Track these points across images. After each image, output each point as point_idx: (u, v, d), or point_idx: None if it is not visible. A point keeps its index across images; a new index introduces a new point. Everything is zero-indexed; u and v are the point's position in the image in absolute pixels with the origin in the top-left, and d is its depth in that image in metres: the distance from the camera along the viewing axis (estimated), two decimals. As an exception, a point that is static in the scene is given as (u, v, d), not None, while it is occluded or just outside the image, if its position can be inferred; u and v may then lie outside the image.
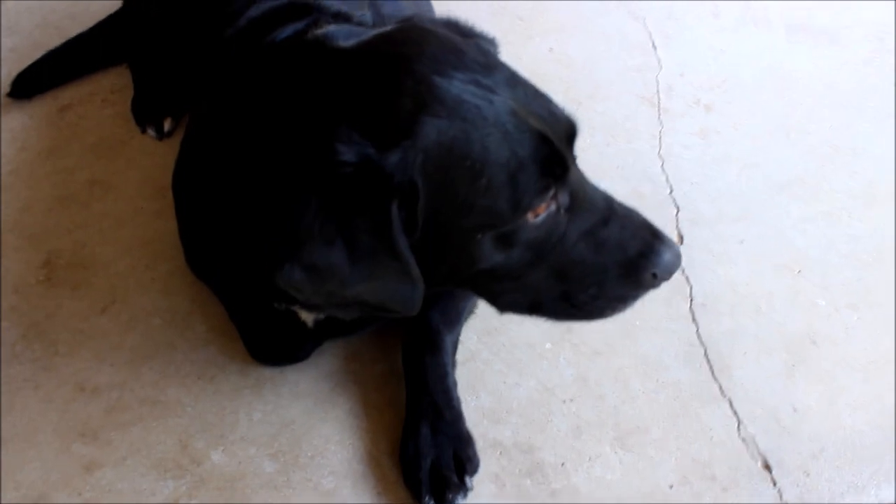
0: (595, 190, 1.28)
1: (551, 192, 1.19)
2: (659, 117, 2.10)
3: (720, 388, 1.60)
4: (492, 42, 1.36)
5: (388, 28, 1.29)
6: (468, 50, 1.23)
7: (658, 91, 2.16)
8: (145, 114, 2.03)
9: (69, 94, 2.12)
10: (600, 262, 1.26)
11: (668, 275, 1.29)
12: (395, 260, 1.15)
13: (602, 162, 1.96)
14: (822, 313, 1.72)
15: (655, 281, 1.28)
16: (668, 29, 2.34)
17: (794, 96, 2.16)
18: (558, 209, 1.22)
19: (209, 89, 1.51)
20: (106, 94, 2.12)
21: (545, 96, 1.26)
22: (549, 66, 2.21)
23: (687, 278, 1.74)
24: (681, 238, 1.82)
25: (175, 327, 1.67)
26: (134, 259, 1.78)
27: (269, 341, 1.59)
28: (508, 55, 1.35)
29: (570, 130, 1.26)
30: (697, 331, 1.68)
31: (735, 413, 1.56)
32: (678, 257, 1.29)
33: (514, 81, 1.23)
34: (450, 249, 1.20)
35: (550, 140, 1.18)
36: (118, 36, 2.14)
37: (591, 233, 1.25)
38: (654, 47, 2.28)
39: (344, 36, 1.30)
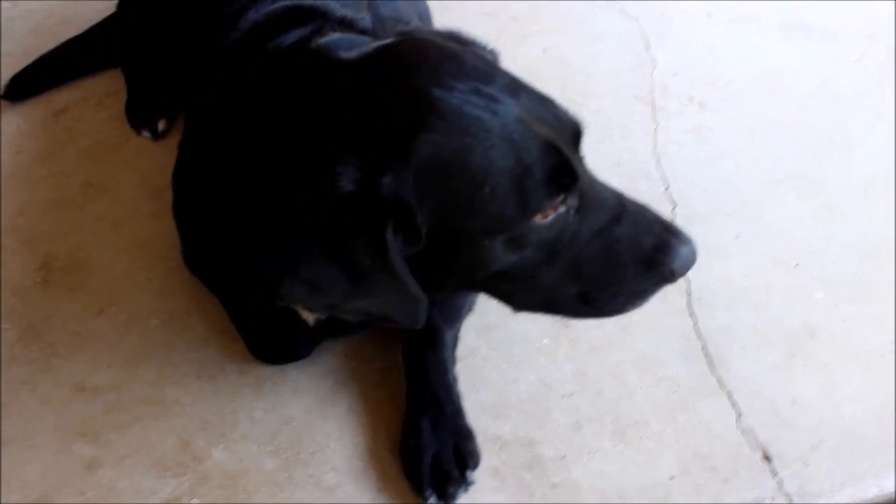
0: (605, 188, 1.28)
1: (560, 198, 1.19)
2: (653, 115, 2.10)
3: (718, 381, 1.60)
4: (492, 52, 1.34)
5: (389, 40, 1.28)
6: (467, 58, 1.22)
7: (652, 89, 2.16)
8: (139, 116, 2.02)
9: (63, 97, 2.12)
10: (615, 259, 1.25)
11: (685, 269, 1.28)
12: (393, 279, 1.15)
13: (597, 160, 1.91)
14: (821, 306, 1.72)
15: (673, 276, 1.28)
16: (662, 28, 2.34)
17: (788, 92, 2.17)
18: (568, 210, 1.21)
19: (210, 93, 1.50)
20: (100, 98, 2.12)
21: (548, 99, 1.24)
22: (544, 66, 2.21)
23: (684, 273, 1.74)
24: (678, 234, 1.83)
25: (173, 327, 1.67)
26: (131, 260, 1.78)
27: (270, 339, 1.59)
28: (503, 56, 1.35)
29: (575, 132, 1.25)
30: (695, 325, 1.68)
31: (734, 405, 1.57)
32: (694, 252, 1.28)
33: (516, 87, 1.21)
34: (460, 254, 1.20)
35: (558, 148, 1.17)
36: (111, 39, 2.14)
37: (603, 231, 1.24)
38: (648, 46, 2.29)
39: (346, 46, 1.29)
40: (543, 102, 1.23)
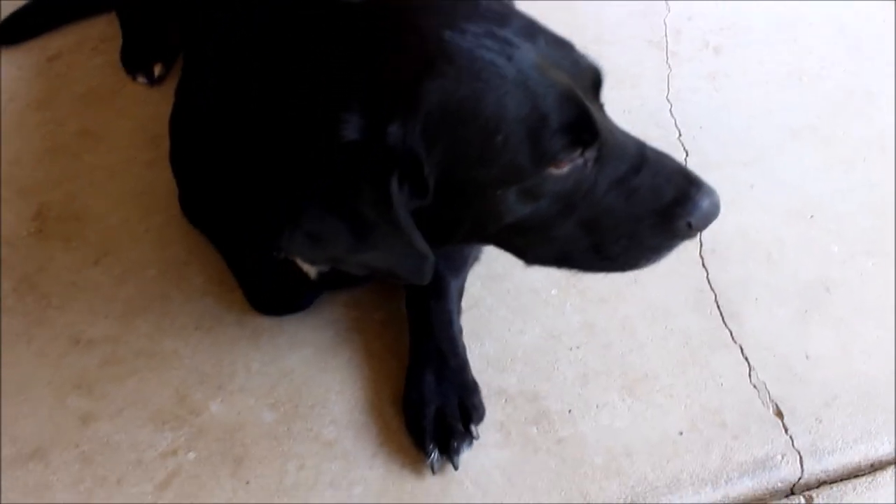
0: (625, 136, 1.21)
1: (578, 151, 1.13)
2: (667, 61, 2.03)
3: (731, 334, 1.56)
4: None
5: None
6: None
7: (666, 34, 2.09)
8: (135, 61, 1.97)
9: (57, 43, 2.07)
10: (632, 211, 1.19)
11: (705, 224, 1.21)
12: (398, 233, 1.10)
13: (608, 107, 1.87)
14: (836, 260, 1.67)
15: (691, 231, 1.21)
16: (676, -29, 2.27)
17: (807, 40, 2.10)
18: (585, 161, 1.15)
19: (210, 37, 1.45)
20: (95, 43, 2.06)
21: (567, 44, 1.18)
22: (553, 12, 2.08)
23: (696, 224, 1.69)
24: (690, 183, 1.78)
25: (170, 278, 1.63)
26: (127, 210, 1.74)
27: (270, 291, 1.56)
28: (514, -1, 1.30)
29: (595, 79, 1.19)
30: (707, 277, 1.63)
31: (746, 360, 1.52)
32: (716, 205, 1.21)
33: (533, 30, 1.15)
34: (471, 206, 1.15)
35: (577, 98, 1.11)
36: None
37: (622, 181, 1.18)
38: (661, -10, 2.22)
39: None
40: (562, 47, 1.17)
